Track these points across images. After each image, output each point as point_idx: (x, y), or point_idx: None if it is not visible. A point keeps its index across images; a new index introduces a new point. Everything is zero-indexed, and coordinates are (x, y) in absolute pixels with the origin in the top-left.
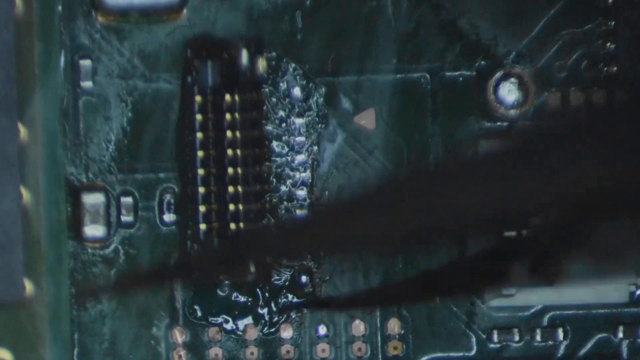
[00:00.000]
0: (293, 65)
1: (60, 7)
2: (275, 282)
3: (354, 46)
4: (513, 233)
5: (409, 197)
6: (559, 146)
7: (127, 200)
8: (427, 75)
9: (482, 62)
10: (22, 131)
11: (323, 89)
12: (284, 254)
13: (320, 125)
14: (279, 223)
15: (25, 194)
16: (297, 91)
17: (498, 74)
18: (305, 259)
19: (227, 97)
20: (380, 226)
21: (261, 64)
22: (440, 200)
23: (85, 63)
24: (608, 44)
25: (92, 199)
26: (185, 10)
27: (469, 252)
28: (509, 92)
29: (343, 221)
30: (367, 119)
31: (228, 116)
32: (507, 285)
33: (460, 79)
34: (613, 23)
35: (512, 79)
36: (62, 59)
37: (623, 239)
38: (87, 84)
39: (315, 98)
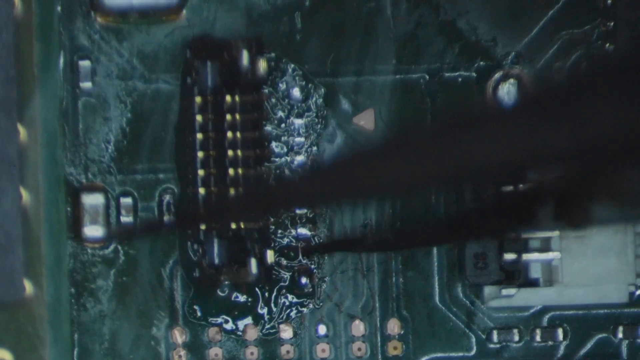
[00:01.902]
0: (292, 65)
1: (59, 8)
2: (275, 282)
3: (353, 47)
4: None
5: (421, 146)
6: (580, 94)
7: (127, 200)
8: (426, 76)
9: (481, 63)
10: (22, 132)
11: (322, 90)
12: (292, 203)
13: (319, 126)
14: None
15: (25, 194)
16: (296, 92)
17: (497, 75)
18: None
19: (228, 98)
20: (389, 175)
21: (262, 65)
22: (459, 148)
23: (85, 64)
24: (607, 44)
25: (92, 200)
26: (184, 11)
27: (494, 197)
28: (507, 93)
29: (350, 171)
30: (366, 120)
31: (228, 117)
32: (533, 228)
33: (460, 79)
34: (612, 24)
35: (511, 80)
36: (62, 60)
37: None
38: (86, 84)
39: (314, 99)
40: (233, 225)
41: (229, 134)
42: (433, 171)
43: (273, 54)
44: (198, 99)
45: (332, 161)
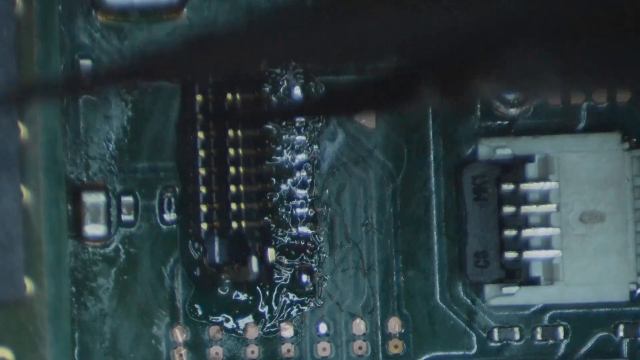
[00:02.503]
0: (293, 64)
1: (60, 7)
2: (276, 280)
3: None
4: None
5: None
6: None
7: (128, 199)
8: None
9: None
10: (22, 130)
11: (323, 88)
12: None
13: (320, 124)
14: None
15: (26, 193)
16: (297, 90)
17: None
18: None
19: (228, 96)
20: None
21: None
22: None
23: (85, 62)
24: None
25: (93, 198)
26: (185, 10)
27: (379, 72)
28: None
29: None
30: (367, 118)
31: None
32: (417, 104)
33: None
34: None
35: None
36: (62, 59)
37: (533, 61)
38: None
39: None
40: (234, 224)
41: (230, 132)
42: (318, 49)
43: None
44: (199, 97)
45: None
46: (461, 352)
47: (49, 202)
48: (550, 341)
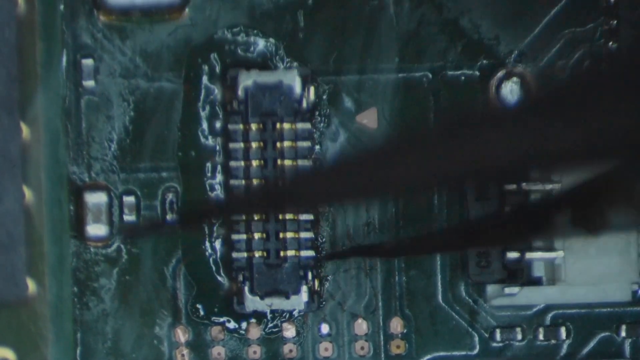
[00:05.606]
0: (295, 64)
1: (62, 7)
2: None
3: (356, 45)
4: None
5: (427, 146)
6: (593, 97)
7: (130, 199)
8: (429, 75)
9: (484, 62)
10: (25, 130)
11: (325, 88)
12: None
13: (322, 124)
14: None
15: (28, 193)
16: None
17: (500, 73)
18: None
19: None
20: (393, 174)
21: None
22: (463, 148)
23: (88, 62)
24: (610, 43)
25: (95, 198)
26: (187, 10)
27: (511, 204)
28: (511, 92)
29: (354, 171)
30: (369, 118)
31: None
32: (550, 237)
33: (463, 78)
34: (615, 22)
35: (514, 79)
36: (64, 58)
37: None
38: (89, 83)
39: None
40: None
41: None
42: (436, 171)
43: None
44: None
45: (335, 161)
46: (463, 353)
47: (51, 202)
48: (553, 341)
